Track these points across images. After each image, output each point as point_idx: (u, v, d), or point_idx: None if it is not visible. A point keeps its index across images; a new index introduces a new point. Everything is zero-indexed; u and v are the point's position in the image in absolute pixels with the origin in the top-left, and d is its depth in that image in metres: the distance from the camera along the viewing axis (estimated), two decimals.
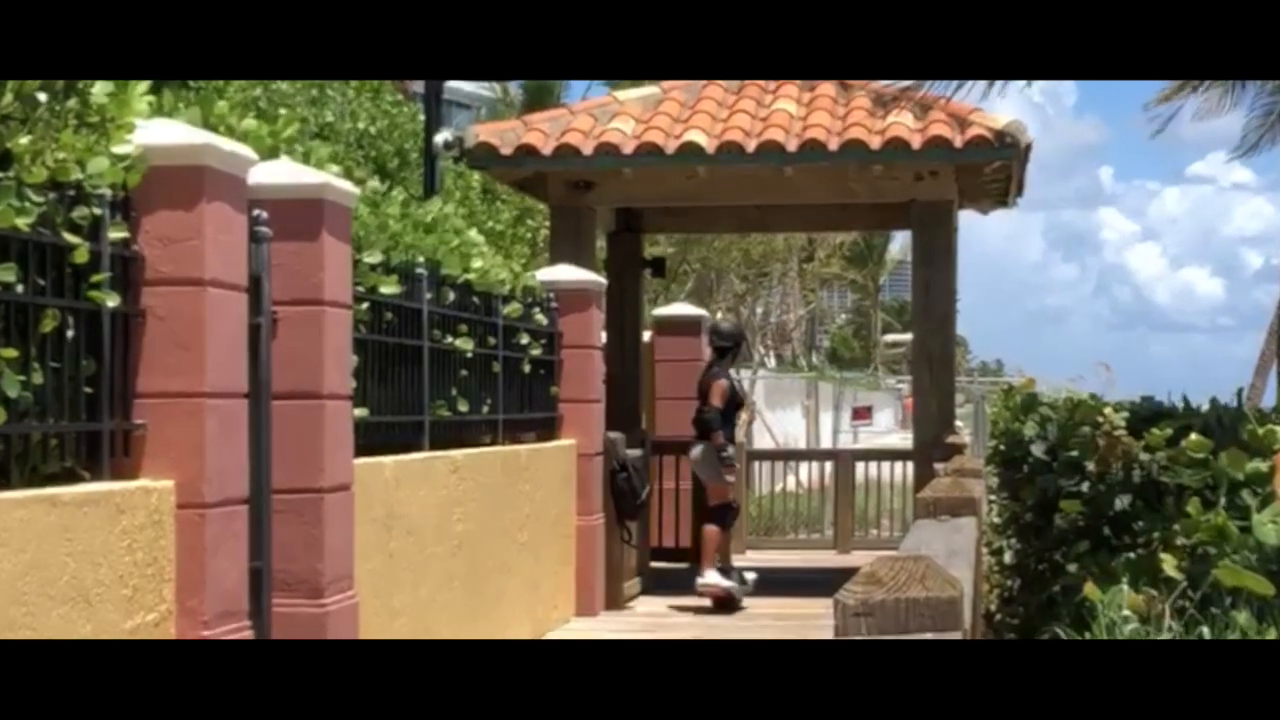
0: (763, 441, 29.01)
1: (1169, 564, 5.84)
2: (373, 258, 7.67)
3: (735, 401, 12.43)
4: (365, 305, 7.58)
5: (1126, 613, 5.56)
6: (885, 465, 16.46)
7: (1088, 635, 5.53)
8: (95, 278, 5.32)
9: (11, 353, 4.82)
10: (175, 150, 5.58)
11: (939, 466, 9.63)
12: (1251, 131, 23.40)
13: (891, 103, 11.76)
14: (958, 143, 11.70)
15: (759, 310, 44.81)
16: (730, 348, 12.55)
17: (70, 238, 5.19)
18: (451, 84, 23.05)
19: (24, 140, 5.04)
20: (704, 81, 13.02)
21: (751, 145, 11.92)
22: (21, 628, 4.72)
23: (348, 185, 7.10)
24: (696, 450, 12.26)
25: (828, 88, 12.81)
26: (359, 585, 7.08)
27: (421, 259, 8.50)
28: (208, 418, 5.66)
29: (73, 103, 5.36)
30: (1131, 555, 6.42)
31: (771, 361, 48.10)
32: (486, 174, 14.85)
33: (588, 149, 12.13)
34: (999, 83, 10.31)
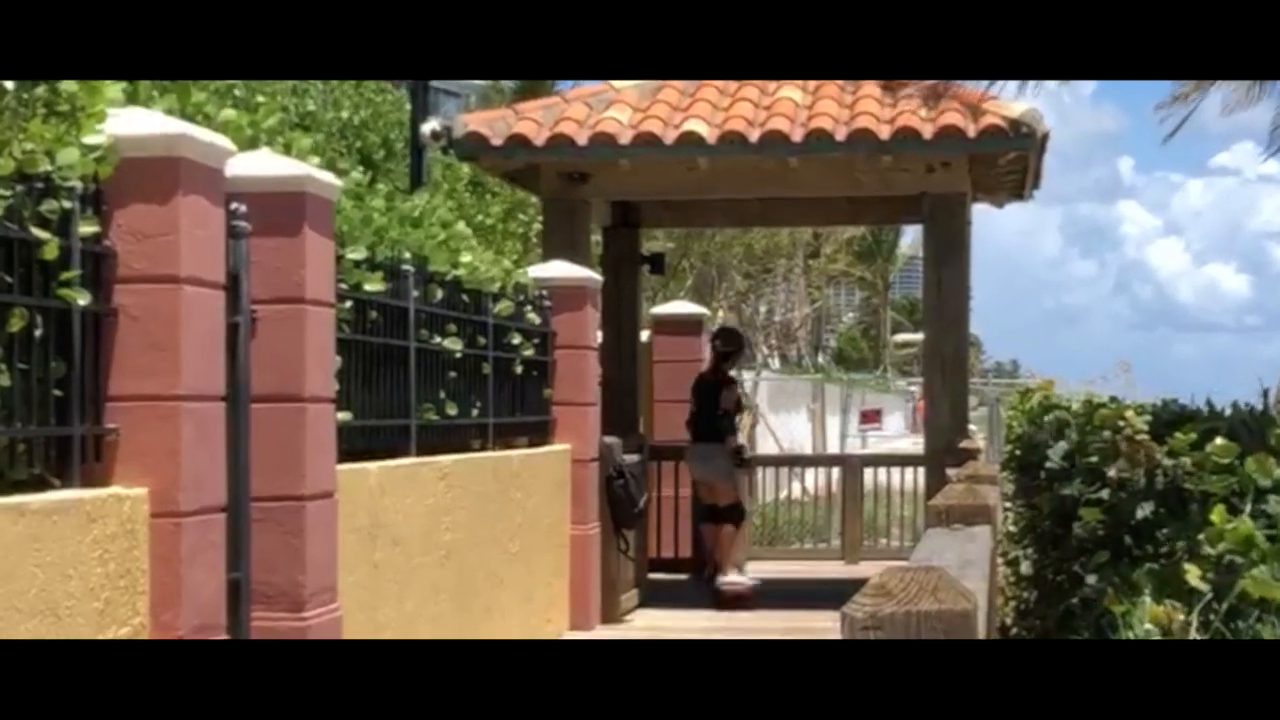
0: (767, 446, 28.78)
1: (1193, 574, 5.74)
2: (357, 253, 7.62)
3: (740, 406, 12.52)
4: (349, 303, 7.53)
5: (1149, 626, 5.52)
6: (895, 471, 16.31)
7: None
8: (65, 275, 5.26)
9: None
10: (149, 141, 5.52)
11: (952, 472, 9.49)
12: None
13: (901, 91, 11.57)
14: (971, 132, 11.57)
15: (762, 309, 44.86)
16: (734, 351, 12.57)
17: (39, 232, 5.13)
18: None
19: None
20: None
21: (755, 135, 11.80)
22: None
23: (330, 177, 7.07)
24: (701, 452, 12.17)
25: None
26: (342, 598, 7.05)
27: (408, 255, 8.44)
28: (183, 422, 5.61)
29: (41, 90, 5.37)
30: (1154, 566, 6.38)
31: (775, 362, 47.99)
32: (476, 165, 14.66)
33: (583, 139, 11.99)
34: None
